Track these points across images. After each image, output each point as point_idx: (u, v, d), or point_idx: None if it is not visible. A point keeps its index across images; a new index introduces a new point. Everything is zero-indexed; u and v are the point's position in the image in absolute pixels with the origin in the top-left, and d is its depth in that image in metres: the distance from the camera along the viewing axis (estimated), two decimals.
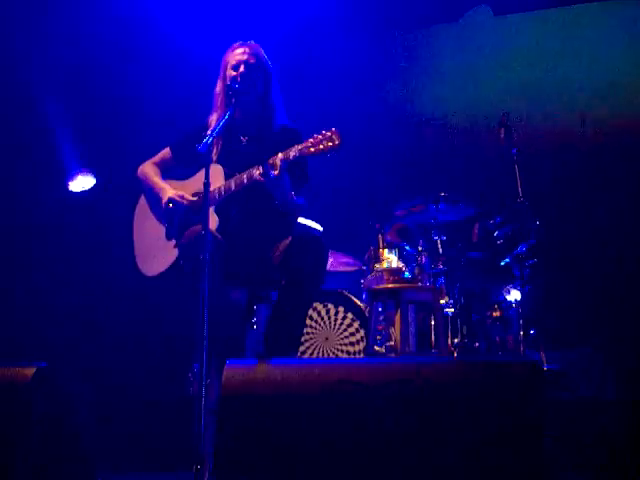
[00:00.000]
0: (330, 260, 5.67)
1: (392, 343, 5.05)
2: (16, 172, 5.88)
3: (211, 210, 3.52)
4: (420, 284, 4.87)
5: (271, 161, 3.37)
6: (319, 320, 5.30)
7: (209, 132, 3.16)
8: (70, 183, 6.04)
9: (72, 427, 3.01)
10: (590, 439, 4.14)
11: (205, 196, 3.00)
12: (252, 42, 3.85)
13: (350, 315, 5.26)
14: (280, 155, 3.36)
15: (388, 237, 5.40)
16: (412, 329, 4.96)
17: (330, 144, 3.27)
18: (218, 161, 3.64)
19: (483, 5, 6.42)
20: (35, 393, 2.79)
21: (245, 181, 3.50)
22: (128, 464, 4.67)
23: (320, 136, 3.30)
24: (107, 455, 4.30)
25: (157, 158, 3.99)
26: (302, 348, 5.25)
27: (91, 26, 5.84)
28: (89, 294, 5.82)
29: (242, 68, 3.73)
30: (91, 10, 5.82)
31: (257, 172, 3.42)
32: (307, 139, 3.33)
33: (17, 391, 2.78)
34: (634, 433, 4.22)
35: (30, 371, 2.82)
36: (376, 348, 5.05)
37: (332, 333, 5.27)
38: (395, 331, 4.85)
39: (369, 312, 5.03)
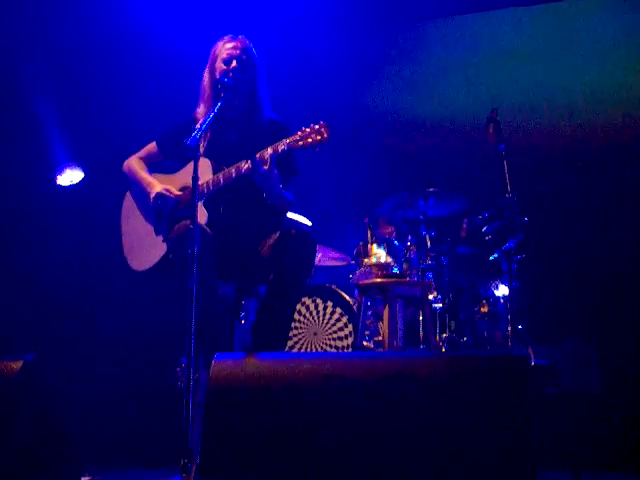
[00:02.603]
0: (319, 255, 5.68)
1: (380, 338, 5.05)
2: (3, 166, 5.85)
3: (200, 204, 3.51)
4: (408, 279, 4.87)
5: (260, 155, 3.37)
6: (307, 315, 5.31)
7: (198, 126, 3.14)
8: (58, 177, 6.02)
9: (59, 421, 3.00)
10: (577, 433, 4.17)
11: (194, 190, 2.99)
12: (242, 36, 3.83)
13: (339, 310, 5.27)
14: (269, 149, 3.36)
15: (378, 232, 5.42)
16: (400, 324, 4.96)
17: (319, 137, 3.27)
18: (206, 155, 3.63)
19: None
20: (22, 386, 2.78)
21: (234, 175, 3.49)
22: (116, 458, 4.68)
23: (308, 129, 3.30)
24: (95, 449, 4.30)
25: (143, 152, 3.97)
26: (291, 343, 5.26)
27: (79, 20, 5.81)
28: (77, 288, 5.81)
29: (234, 63, 3.71)
30: (79, 4, 5.80)
31: (246, 166, 3.41)
32: (295, 132, 3.33)
33: (3, 384, 2.76)
34: (619, 426, 4.25)
35: (17, 364, 2.81)
36: (364, 343, 5.06)
37: (320, 328, 5.27)
38: (383, 326, 4.85)
39: (357, 307, 5.03)
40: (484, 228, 5.10)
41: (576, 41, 6.22)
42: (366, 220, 5.09)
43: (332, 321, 5.26)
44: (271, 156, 3.34)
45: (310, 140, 3.27)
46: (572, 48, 6.23)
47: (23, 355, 2.87)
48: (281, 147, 3.33)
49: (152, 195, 3.73)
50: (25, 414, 2.80)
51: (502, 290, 5.21)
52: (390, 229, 5.65)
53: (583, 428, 4.28)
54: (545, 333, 5.32)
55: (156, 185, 3.77)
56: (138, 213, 3.92)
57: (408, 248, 4.97)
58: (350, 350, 5.08)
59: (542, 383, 4.60)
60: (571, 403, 4.42)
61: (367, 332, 5.19)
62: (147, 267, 3.78)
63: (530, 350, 4.88)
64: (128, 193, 4.02)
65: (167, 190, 3.71)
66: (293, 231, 3.46)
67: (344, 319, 5.24)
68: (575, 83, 6.23)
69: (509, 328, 4.83)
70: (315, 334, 5.28)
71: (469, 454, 2.29)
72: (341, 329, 5.23)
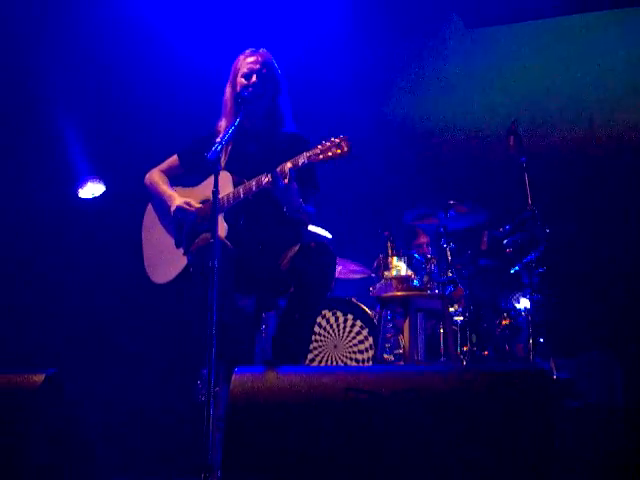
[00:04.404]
0: (339, 267, 5.67)
1: (401, 351, 5.04)
2: (26, 179, 5.90)
3: (220, 217, 3.52)
4: (429, 292, 4.86)
5: (280, 169, 3.37)
6: (328, 328, 5.30)
7: (218, 139, 3.16)
8: (80, 190, 6.06)
9: (80, 434, 3.01)
10: (600, 447, 4.12)
11: (214, 204, 3.00)
12: (263, 50, 3.84)
13: (359, 323, 5.26)
14: (289, 163, 3.36)
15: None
16: (421, 337, 4.95)
17: (339, 151, 3.27)
18: (226, 168, 3.64)
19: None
20: (44, 399, 2.80)
21: (254, 188, 3.49)
22: (136, 471, 4.67)
23: (329, 143, 3.29)
24: (115, 462, 4.31)
25: (164, 165, 3.99)
26: (311, 355, 5.25)
27: (102, 35, 5.86)
28: (98, 301, 5.83)
29: (254, 77, 3.72)
30: (103, 19, 5.85)
31: (266, 179, 3.42)
32: (316, 146, 3.33)
33: (26, 397, 2.78)
34: None
35: (39, 378, 2.83)
36: (385, 356, 5.05)
37: (341, 341, 5.26)
38: (404, 339, 4.84)
39: (378, 320, 5.02)
40: (505, 241, 5.08)
41: (595, 53, 6.20)
42: (386, 233, 5.08)
43: (352, 334, 5.25)
44: (290, 170, 3.34)
45: (330, 154, 3.27)
46: (591, 60, 6.21)
47: (45, 368, 2.89)
48: (301, 161, 3.33)
49: (173, 208, 3.75)
50: (47, 425, 2.81)
51: (523, 303, 5.18)
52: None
53: (606, 442, 4.22)
54: (567, 346, 5.28)
55: (177, 198, 3.78)
56: (159, 226, 3.94)
57: (429, 261, 4.96)
58: (370, 363, 5.07)
59: (564, 396, 4.56)
60: (594, 417, 4.38)
61: (388, 345, 5.18)
62: (168, 280, 3.79)
63: (552, 363, 4.84)
64: (149, 206, 4.04)
65: (188, 203, 3.73)
66: (313, 244, 3.46)
67: (364, 332, 5.23)
68: (594, 94, 6.20)
69: (530, 341, 4.80)
70: (335, 347, 5.27)
71: (490, 468, 2.27)
72: (361, 342, 5.22)
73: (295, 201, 3.45)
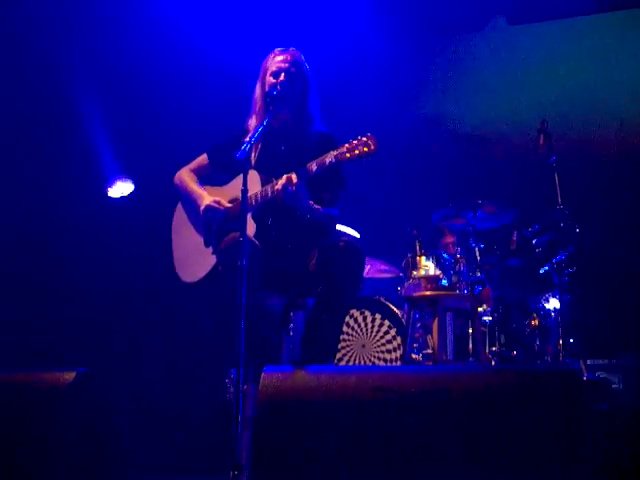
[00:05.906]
0: (367, 267, 5.66)
1: (429, 351, 5.02)
2: (56, 178, 5.96)
3: (249, 216, 3.52)
4: (458, 292, 4.84)
5: (307, 167, 3.38)
6: (356, 327, 5.29)
7: (247, 139, 3.17)
8: (109, 189, 6.11)
9: (109, 431, 3.04)
10: (630, 450, 4.07)
11: (243, 203, 3.01)
12: (293, 49, 3.84)
13: (387, 322, 5.24)
14: (315, 163, 3.37)
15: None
16: (450, 337, 4.92)
17: (366, 149, 3.26)
18: (255, 167, 3.65)
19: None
20: (74, 397, 2.83)
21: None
22: (165, 469, 4.70)
23: (355, 141, 3.29)
24: (144, 459, 4.33)
25: (194, 164, 4.01)
26: (339, 355, 5.24)
27: (132, 35, 5.90)
28: (128, 300, 5.87)
29: (282, 76, 3.72)
30: (132, 19, 5.89)
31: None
32: (342, 145, 3.33)
33: (57, 395, 2.81)
34: None
35: (70, 376, 2.86)
36: (413, 356, 5.03)
37: (369, 340, 5.25)
38: (432, 339, 4.82)
39: (406, 319, 5.00)
40: (534, 240, 5.05)
41: (627, 52, 6.13)
42: (415, 232, 5.07)
43: (380, 333, 5.24)
44: (317, 169, 3.35)
45: (357, 152, 3.27)
46: (623, 59, 6.15)
47: (75, 367, 2.91)
48: (328, 160, 3.33)
49: (202, 207, 3.76)
50: (78, 423, 2.84)
51: (553, 303, 5.13)
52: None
53: (638, 445, 4.18)
54: (598, 347, 5.22)
55: (206, 197, 3.80)
56: (189, 225, 3.96)
57: (457, 260, 4.93)
58: (398, 363, 5.05)
59: (594, 398, 4.51)
60: (625, 418, 4.33)
61: (416, 345, 5.16)
62: (197, 279, 3.80)
63: (582, 364, 4.80)
64: (179, 205, 4.06)
65: (217, 202, 3.74)
66: (342, 243, 3.45)
67: (392, 331, 5.21)
68: (626, 94, 6.14)
69: (560, 342, 4.76)
70: (363, 346, 5.26)
71: (520, 469, 2.26)
72: (389, 342, 5.21)
73: (303, 205, 3.45)
